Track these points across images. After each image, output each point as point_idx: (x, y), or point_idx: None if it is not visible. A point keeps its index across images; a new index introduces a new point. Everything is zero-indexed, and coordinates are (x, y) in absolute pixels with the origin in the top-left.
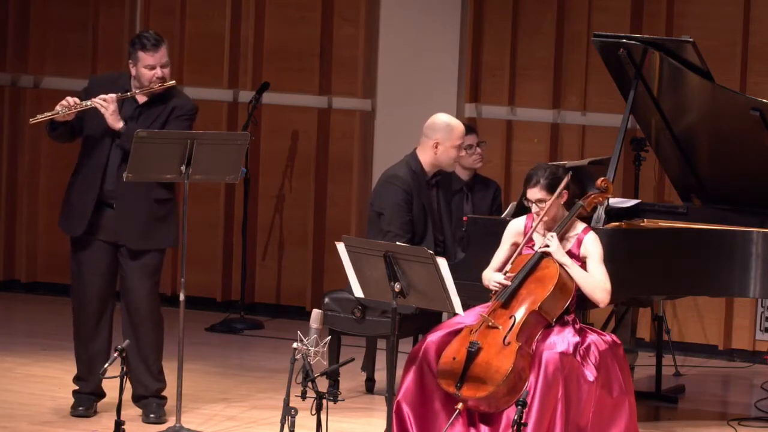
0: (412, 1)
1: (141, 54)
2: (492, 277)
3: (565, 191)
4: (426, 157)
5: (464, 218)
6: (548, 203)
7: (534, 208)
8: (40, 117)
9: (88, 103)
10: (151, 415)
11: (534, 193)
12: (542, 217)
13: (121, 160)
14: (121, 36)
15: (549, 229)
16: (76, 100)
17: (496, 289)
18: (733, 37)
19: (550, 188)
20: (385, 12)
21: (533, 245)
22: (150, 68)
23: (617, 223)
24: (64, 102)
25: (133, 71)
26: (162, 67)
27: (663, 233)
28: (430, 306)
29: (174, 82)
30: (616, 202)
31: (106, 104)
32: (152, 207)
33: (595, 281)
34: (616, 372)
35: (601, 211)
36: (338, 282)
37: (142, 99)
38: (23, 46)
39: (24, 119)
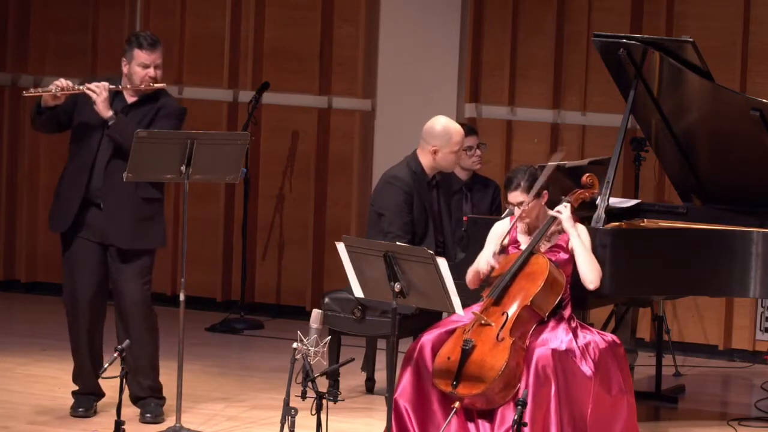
0: (412, 1)
1: (137, 51)
2: (481, 258)
3: (545, 191)
4: (425, 161)
5: (465, 218)
6: (527, 202)
7: (516, 211)
8: (34, 91)
9: (81, 87)
10: (148, 415)
11: (515, 196)
12: (524, 218)
13: (109, 157)
14: (121, 36)
15: (532, 229)
16: (69, 82)
17: (491, 266)
18: (733, 37)
19: (531, 190)
20: (385, 12)
21: (519, 246)
22: (143, 66)
23: (617, 223)
24: (58, 82)
25: (125, 69)
26: (155, 68)
27: (663, 233)
28: (430, 306)
29: (164, 84)
30: (616, 202)
31: (97, 90)
32: (140, 206)
33: (592, 260)
34: (615, 371)
35: (601, 211)
36: (338, 282)
37: (131, 99)
38: (23, 46)
39: (24, 119)
